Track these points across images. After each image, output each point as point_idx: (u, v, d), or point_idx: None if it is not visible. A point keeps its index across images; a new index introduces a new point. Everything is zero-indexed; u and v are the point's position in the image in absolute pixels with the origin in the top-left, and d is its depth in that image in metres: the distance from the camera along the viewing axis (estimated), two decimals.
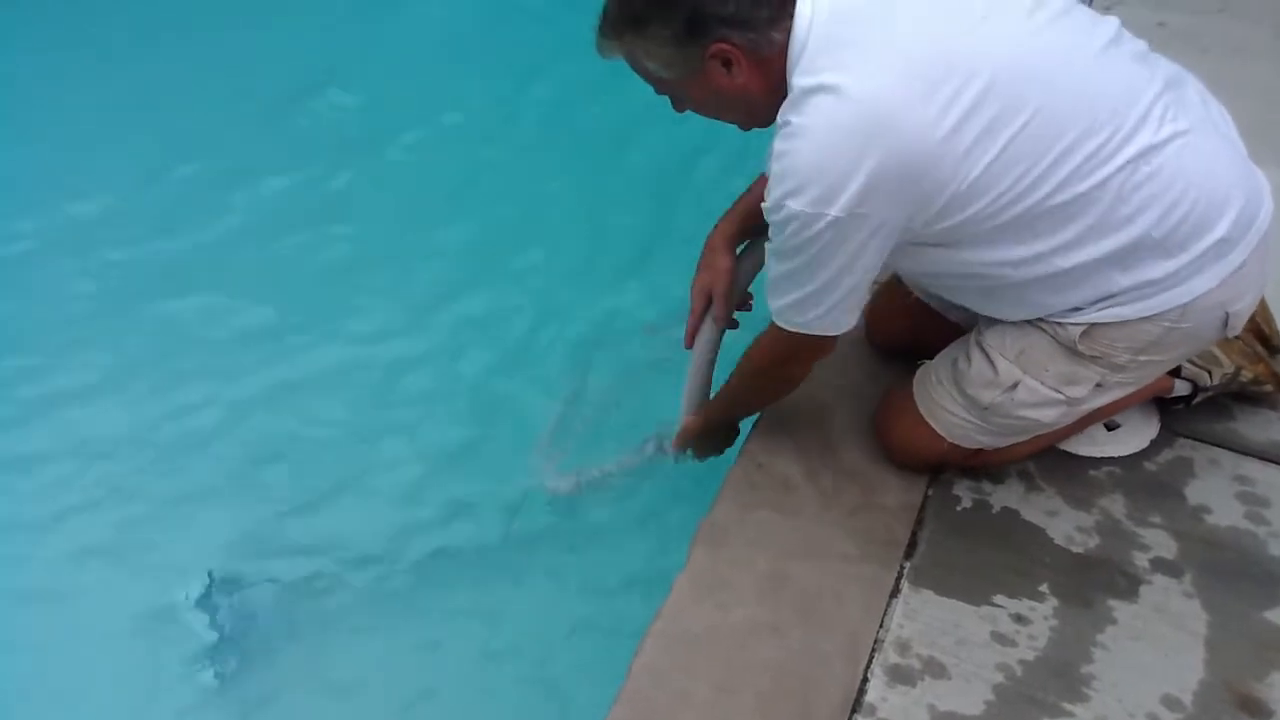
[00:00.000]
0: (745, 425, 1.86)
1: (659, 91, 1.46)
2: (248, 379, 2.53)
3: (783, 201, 1.32)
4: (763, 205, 1.37)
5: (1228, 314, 1.45)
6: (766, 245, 1.44)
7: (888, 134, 1.26)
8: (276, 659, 2.05)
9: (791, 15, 1.31)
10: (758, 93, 1.38)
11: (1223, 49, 2.62)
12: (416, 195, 3.01)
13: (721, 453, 1.95)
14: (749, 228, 1.74)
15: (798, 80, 1.30)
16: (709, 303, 1.77)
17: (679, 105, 1.48)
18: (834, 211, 1.28)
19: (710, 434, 1.89)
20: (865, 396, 1.87)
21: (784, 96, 1.34)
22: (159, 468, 2.36)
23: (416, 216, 2.94)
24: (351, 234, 2.89)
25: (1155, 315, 1.42)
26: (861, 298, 1.44)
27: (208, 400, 2.49)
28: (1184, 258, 1.37)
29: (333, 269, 2.79)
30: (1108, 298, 1.42)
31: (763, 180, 1.69)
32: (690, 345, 1.82)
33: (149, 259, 2.82)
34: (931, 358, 1.70)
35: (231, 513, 2.26)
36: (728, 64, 1.36)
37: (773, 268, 1.44)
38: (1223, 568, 1.64)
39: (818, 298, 1.41)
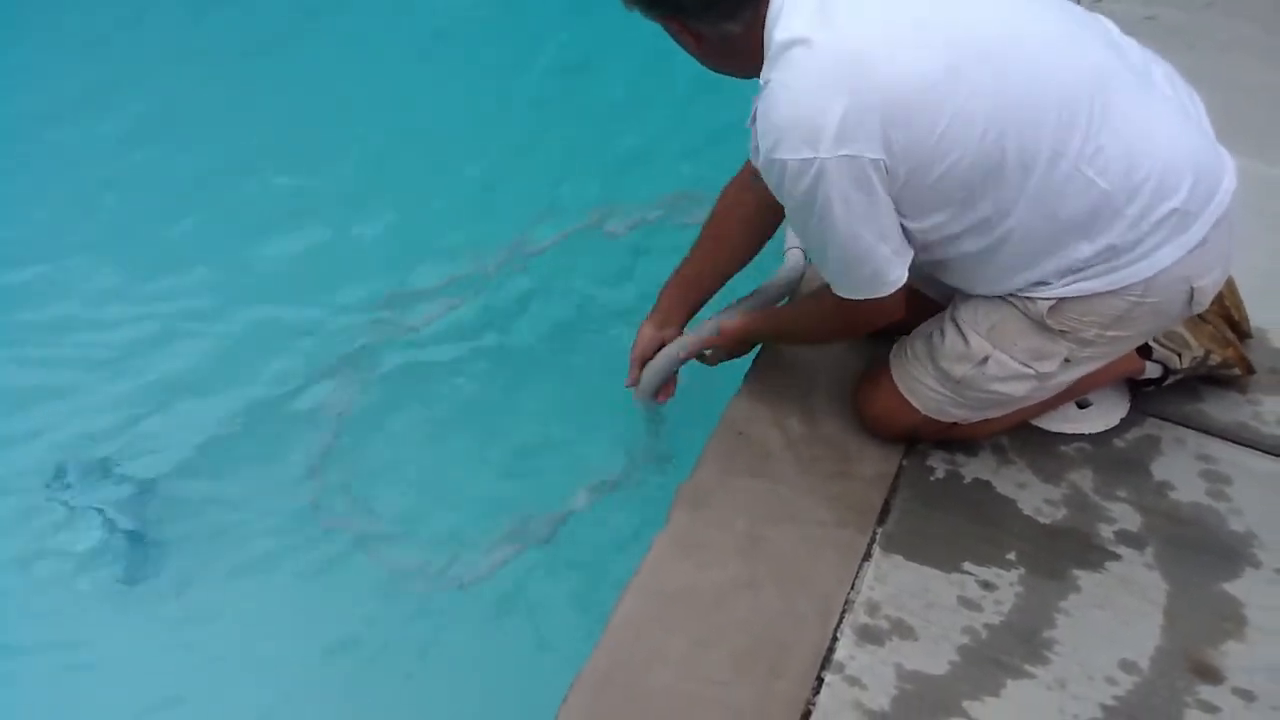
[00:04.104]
0: (727, 390, 1.92)
1: None
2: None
3: (771, 156, 1.37)
4: (759, 166, 1.43)
5: (1193, 289, 1.50)
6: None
7: (860, 70, 1.31)
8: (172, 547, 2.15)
9: (755, 9, 1.38)
10: (713, 59, 1.48)
11: (1211, 44, 2.66)
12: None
13: (735, 359, 1.93)
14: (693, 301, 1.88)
15: (775, 37, 1.36)
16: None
17: None
18: (820, 153, 1.33)
19: (739, 347, 1.89)
20: (845, 369, 1.92)
21: (751, 63, 1.41)
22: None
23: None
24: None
25: (1121, 289, 1.47)
26: (899, 247, 1.45)
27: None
28: (1144, 225, 1.42)
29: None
30: (1074, 270, 1.48)
31: (690, 260, 1.88)
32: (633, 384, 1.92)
33: None
34: (909, 333, 1.76)
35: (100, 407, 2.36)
36: (679, 34, 1.44)
37: (801, 239, 1.50)
38: (1184, 541, 1.70)
39: (850, 261, 1.45)
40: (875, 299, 1.50)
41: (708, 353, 1.89)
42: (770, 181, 1.43)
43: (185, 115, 3.05)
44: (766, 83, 1.37)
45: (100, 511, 2.18)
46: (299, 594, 2.08)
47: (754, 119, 1.40)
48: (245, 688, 1.96)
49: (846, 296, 1.52)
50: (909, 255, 1.48)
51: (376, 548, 2.12)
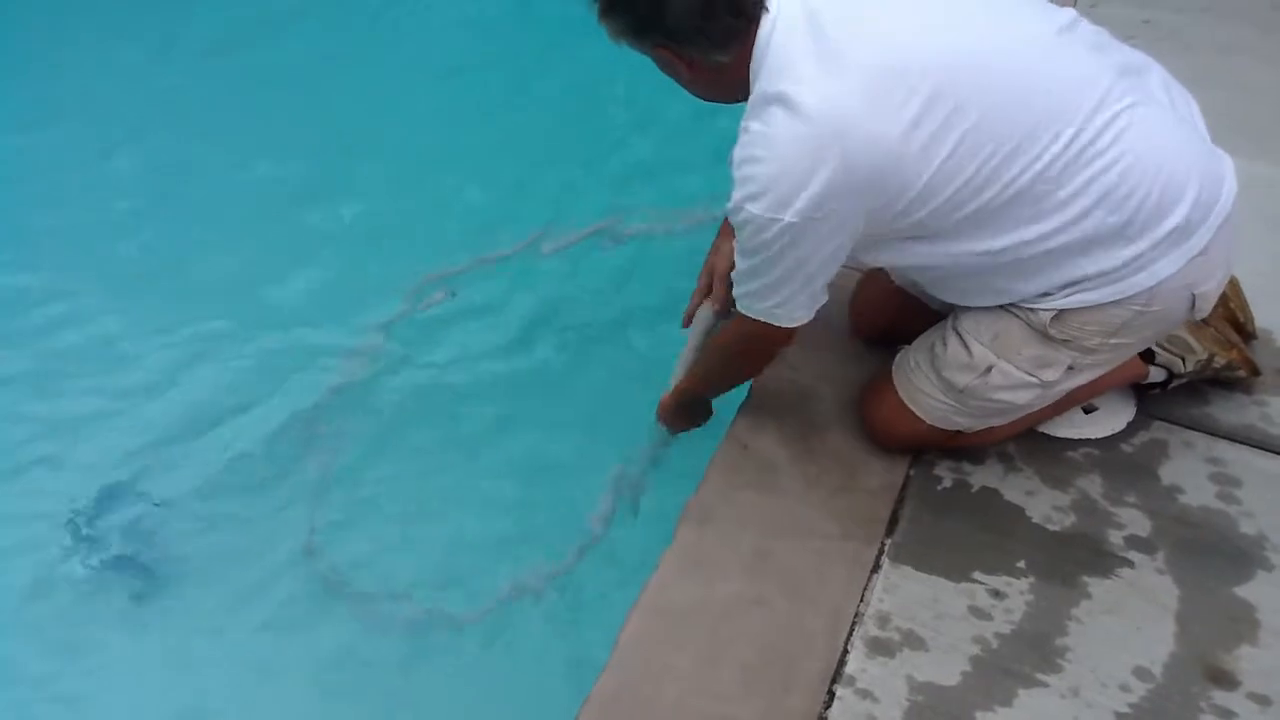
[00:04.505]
0: (729, 406, 1.91)
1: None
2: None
3: (742, 204, 1.39)
4: (727, 205, 1.44)
5: (1194, 296, 1.49)
6: (734, 241, 1.50)
7: (840, 144, 1.32)
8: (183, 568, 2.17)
9: (743, 41, 1.39)
10: (704, 87, 1.50)
11: (1207, 46, 2.67)
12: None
13: (698, 425, 1.98)
14: None
15: (759, 86, 1.38)
16: (710, 284, 1.87)
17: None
18: (788, 217, 1.36)
19: (684, 410, 1.93)
20: (849, 380, 1.92)
21: (740, 91, 1.42)
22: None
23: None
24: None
25: (1123, 299, 1.46)
26: (817, 294, 1.51)
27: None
28: (1144, 243, 1.41)
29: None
30: (1075, 284, 1.47)
31: None
32: (687, 324, 1.91)
33: None
34: (911, 343, 1.76)
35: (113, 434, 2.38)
36: (671, 63, 1.45)
37: (737, 261, 1.51)
38: (1195, 545, 1.68)
39: (774, 289, 1.48)
40: (779, 328, 1.54)
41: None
42: (734, 220, 1.44)
43: (181, 139, 3.12)
44: (747, 129, 1.39)
45: (105, 536, 2.21)
46: (296, 618, 2.08)
47: (732, 161, 1.41)
48: (240, 706, 1.98)
49: (756, 317, 1.54)
50: (821, 302, 1.53)
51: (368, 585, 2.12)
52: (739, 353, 1.71)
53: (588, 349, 2.47)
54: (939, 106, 1.33)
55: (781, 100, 1.34)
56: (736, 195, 1.40)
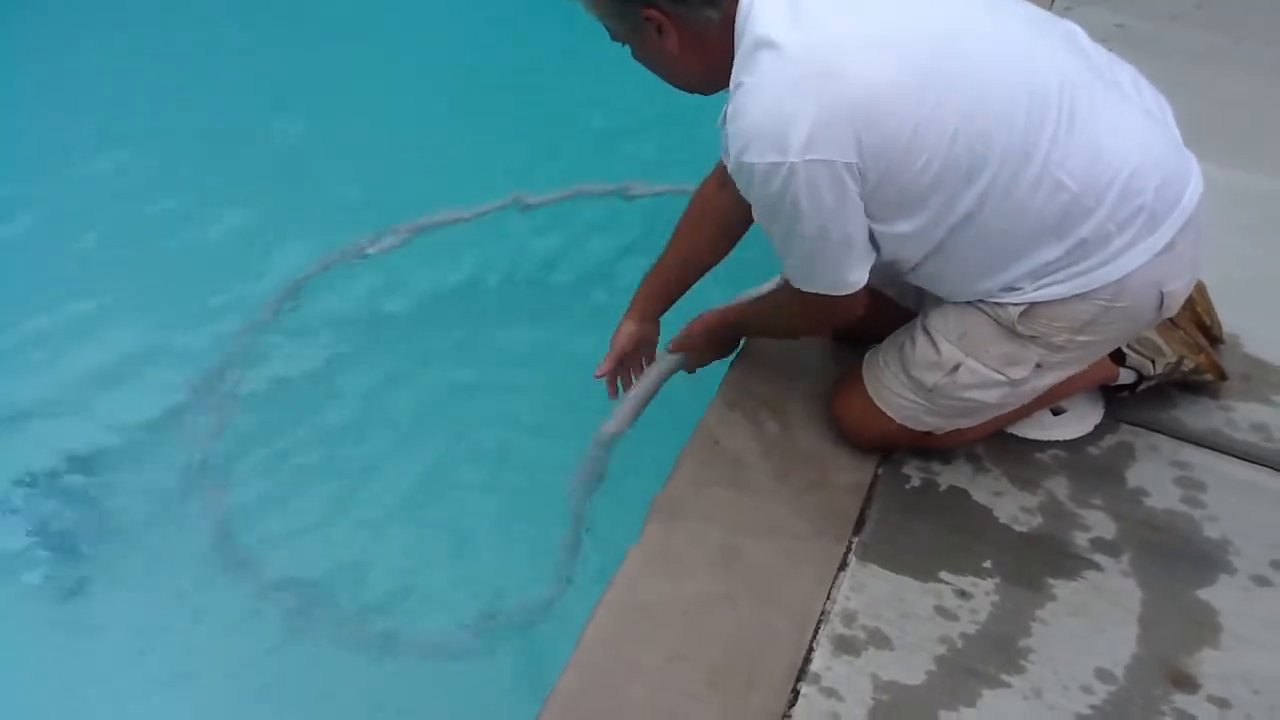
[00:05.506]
0: (703, 398, 1.90)
1: (613, 39, 1.50)
2: None
3: (740, 159, 1.37)
4: (729, 169, 1.43)
5: (1162, 294, 1.50)
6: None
7: (830, 79, 1.31)
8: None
9: (732, 1, 1.37)
10: (692, 63, 1.46)
11: (1179, 52, 2.69)
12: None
13: (724, 356, 1.96)
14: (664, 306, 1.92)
15: (746, 36, 1.36)
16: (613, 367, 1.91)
17: (633, 55, 1.53)
18: (790, 158, 1.33)
19: (723, 342, 1.92)
20: (820, 377, 1.92)
21: (722, 72, 1.40)
22: None
23: None
24: None
25: (1090, 292, 1.47)
26: (863, 252, 1.47)
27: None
28: (1111, 225, 1.42)
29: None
30: (1044, 274, 1.47)
31: (666, 257, 1.89)
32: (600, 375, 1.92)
33: None
34: (882, 342, 1.75)
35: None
36: (661, 29, 1.42)
37: (768, 232, 1.49)
38: (1159, 548, 1.69)
39: (813, 259, 1.46)
40: (838, 298, 1.51)
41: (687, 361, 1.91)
42: (740, 183, 1.43)
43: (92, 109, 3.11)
44: (738, 86, 1.37)
45: (25, 520, 2.14)
46: (227, 623, 2.01)
47: (724, 120, 1.40)
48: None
49: (805, 290, 1.53)
50: (871, 258, 1.49)
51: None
52: (807, 322, 1.71)
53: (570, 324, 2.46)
54: (920, 70, 1.33)
55: (769, 45, 1.33)
56: (733, 153, 1.39)
